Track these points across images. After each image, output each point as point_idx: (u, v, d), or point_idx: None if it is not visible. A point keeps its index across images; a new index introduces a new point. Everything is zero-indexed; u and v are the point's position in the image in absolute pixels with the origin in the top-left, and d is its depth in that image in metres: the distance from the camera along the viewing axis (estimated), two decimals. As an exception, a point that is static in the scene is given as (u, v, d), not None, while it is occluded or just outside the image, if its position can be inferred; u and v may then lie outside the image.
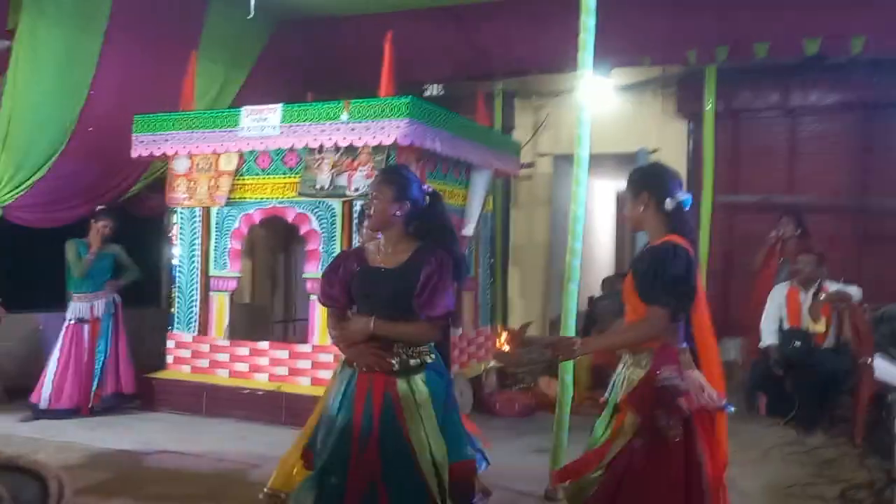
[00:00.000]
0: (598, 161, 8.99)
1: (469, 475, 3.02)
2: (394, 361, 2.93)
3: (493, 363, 7.24)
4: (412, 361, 2.95)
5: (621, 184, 11.45)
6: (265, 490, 3.93)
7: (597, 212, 10.89)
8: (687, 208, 2.94)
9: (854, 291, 5.96)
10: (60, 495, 1.69)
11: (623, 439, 2.78)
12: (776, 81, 7.98)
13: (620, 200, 3.27)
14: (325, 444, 2.97)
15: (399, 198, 2.99)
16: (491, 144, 6.98)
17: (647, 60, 7.66)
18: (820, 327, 6.00)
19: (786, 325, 6.16)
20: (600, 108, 7.72)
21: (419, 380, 2.94)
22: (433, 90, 9.24)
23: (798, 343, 5.95)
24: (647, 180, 2.99)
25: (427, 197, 3.09)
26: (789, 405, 5.98)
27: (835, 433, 5.84)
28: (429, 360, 2.99)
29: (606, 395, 3.00)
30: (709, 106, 7.72)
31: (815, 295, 6.06)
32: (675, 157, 8.41)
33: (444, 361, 3.09)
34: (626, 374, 2.90)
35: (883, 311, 5.85)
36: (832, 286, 6.10)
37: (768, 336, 6.20)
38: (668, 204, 2.88)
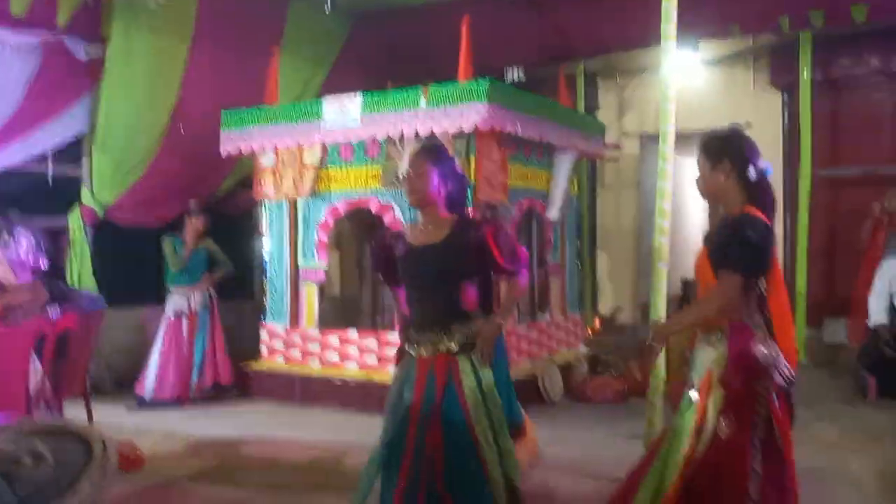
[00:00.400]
0: (687, 139, 8.75)
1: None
2: (452, 344, 2.91)
3: (584, 349, 7.12)
4: (468, 340, 2.93)
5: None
6: None
7: (687, 191, 10.55)
8: (769, 177, 2.75)
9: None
10: (105, 458, 1.72)
11: (708, 427, 2.62)
12: (877, 46, 7.54)
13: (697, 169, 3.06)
14: (389, 426, 2.97)
15: (441, 175, 2.98)
16: (574, 125, 6.84)
17: (735, 29, 7.31)
18: (933, 304, 5.62)
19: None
20: (688, 82, 7.49)
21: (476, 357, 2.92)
22: (514, 75, 9.13)
23: (910, 321, 5.59)
24: (729, 147, 2.76)
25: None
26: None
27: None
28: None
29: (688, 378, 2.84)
30: (805, 75, 7.35)
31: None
32: (769, 131, 8.06)
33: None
34: (698, 355, 2.75)
35: None
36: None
37: (878, 314, 5.86)
38: (752, 173, 2.69)
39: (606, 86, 9.17)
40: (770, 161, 2.69)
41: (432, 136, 5.75)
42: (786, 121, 8.11)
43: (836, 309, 7.39)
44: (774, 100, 8.21)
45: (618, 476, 4.19)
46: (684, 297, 8.02)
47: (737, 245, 2.57)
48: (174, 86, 6.76)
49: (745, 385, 2.58)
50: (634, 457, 4.23)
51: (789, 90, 7.89)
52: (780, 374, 2.62)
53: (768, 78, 8.17)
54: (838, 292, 7.37)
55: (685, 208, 9.93)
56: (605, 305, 8.92)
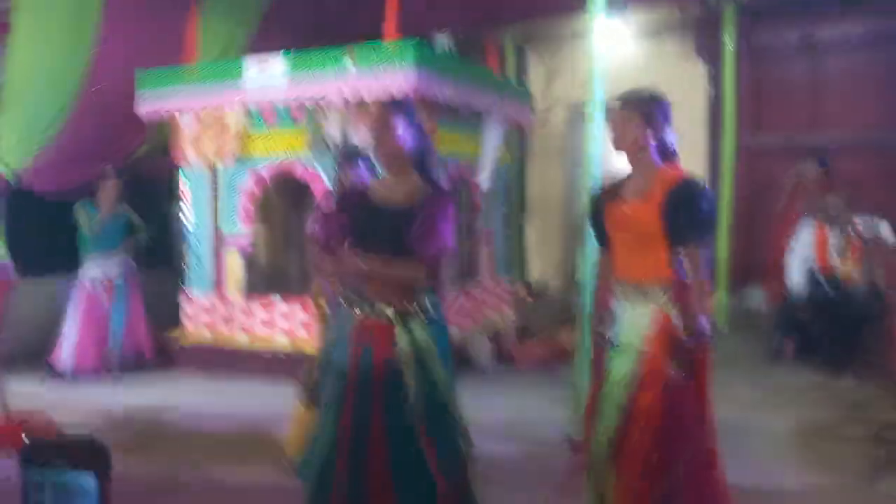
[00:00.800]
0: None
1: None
2: (388, 310, 2.76)
3: (513, 316, 7.15)
4: (410, 308, 2.78)
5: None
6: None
7: (615, 160, 10.68)
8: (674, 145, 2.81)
9: (883, 227, 5.77)
10: None
11: (655, 381, 2.67)
12: (798, 17, 7.69)
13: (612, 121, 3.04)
14: (323, 388, 2.87)
15: (408, 129, 2.82)
16: (503, 93, 6.79)
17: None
18: (848, 266, 5.83)
19: (813, 267, 5.99)
20: (616, 52, 7.52)
21: (419, 329, 2.77)
22: (443, 45, 9.00)
23: (826, 284, 5.78)
24: (657, 106, 2.78)
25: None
26: (817, 348, 5.84)
27: (865, 376, 5.70)
28: (430, 312, 2.83)
29: (611, 334, 2.86)
30: (729, 46, 7.47)
31: (844, 234, 5.87)
32: (695, 100, 8.20)
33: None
34: (634, 312, 2.78)
35: (914, 250, 5.68)
36: (861, 222, 5.90)
37: (795, 278, 6.05)
38: (668, 135, 2.77)
39: (535, 55, 9.14)
40: (696, 130, 2.77)
41: (361, 100, 5.62)
42: (711, 91, 8.24)
43: (756, 276, 7.60)
44: (700, 70, 8.33)
45: (546, 438, 4.27)
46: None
47: (701, 223, 2.69)
48: (87, 41, 6.39)
49: (697, 336, 2.66)
50: (562, 418, 4.32)
51: (714, 61, 8.01)
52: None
53: (694, 49, 8.27)
54: (756, 259, 7.58)
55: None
56: (533, 273, 8.98)
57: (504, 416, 4.86)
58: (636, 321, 2.75)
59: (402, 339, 2.74)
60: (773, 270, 6.65)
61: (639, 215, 2.76)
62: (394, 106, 2.91)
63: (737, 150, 7.42)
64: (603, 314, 2.93)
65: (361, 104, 5.63)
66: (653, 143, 2.77)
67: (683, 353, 2.65)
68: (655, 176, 2.76)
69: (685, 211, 2.66)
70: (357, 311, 2.80)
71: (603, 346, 2.89)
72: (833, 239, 5.93)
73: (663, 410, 2.64)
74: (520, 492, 2.95)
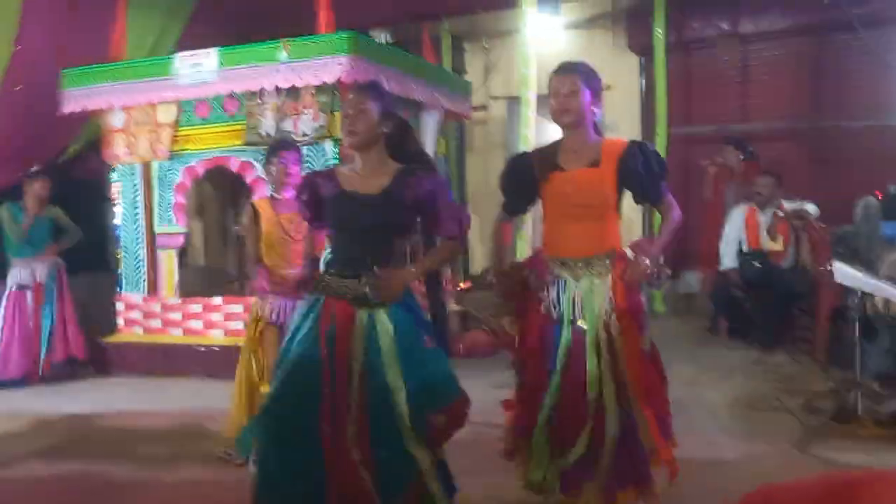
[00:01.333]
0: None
1: (456, 420, 2.71)
2: (360, 290, 2.64)
3: (455, 307, 7.15)
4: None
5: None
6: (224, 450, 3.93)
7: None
8: None
9: (811, 208, 5.96)
10: None
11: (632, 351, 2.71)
12: (726, 8, 7.90)
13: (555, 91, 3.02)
14: (281, 374, 2.72)
15: (385, 113, 2.71)
16: (441, 84, 6.79)
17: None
18: (778, 246, 6.01)
19: (745, 248, 6.16)
20: (549, 46, 7.61)
21: (384, 314, 2.65)
22: (380, 38, 8.98)
23: (757, 264, 5.94)
24: (596, 79, 2.84)
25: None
26: (751, 326, 6.00)
27: (796, 350, 5.89)
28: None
29: (558, 311, 2.78)
30: (659, 38, 7.62)
31: (773, 215, 6.05)
32: (628, 92, 8.35)
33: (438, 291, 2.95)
34: (582, 286, 2.74)
35: (840, 232, 5.88)
36: (789, 205, 6.10)
37: (728, 259, 6.20)
38: (598, 109, 2.82)
39: (472, 49, 9.18)
40: (628, 121, 2.83)
41: (293, 90, 5.57)
42: (643, 83, 8.40)
43: (691, 261, 7.76)
44: (633, 62, 8.48)
45: (490, 421, 4.28)
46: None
47: (663, 176, 2.78)
48: (8, 37, 6.18)
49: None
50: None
51: (645, 53, 8.16)
52: None
53: (626, 41, 8.42)
54: (690, 246, 7.75)
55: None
56: (475, 264, 9.00)
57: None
58: (588, 297, 2.74)
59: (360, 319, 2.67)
60: (707, 255, 6.81)
61: (590, 184, 2.75)
62: (366, 88, 2.80)
63: (668, 140, 7.57)
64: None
65: (293, 92, 5.57)
66: (596, 112, 2.80)
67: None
68: (600, 145, 2.79)
69: (648, 168, 2.72)
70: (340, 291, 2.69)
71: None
72: (763, 221, 6.10)
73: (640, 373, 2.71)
74: (466, 475, 2.96)
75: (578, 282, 2.76)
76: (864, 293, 4.19)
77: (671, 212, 2.82)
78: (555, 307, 2.80)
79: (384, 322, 2.64)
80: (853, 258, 5.18)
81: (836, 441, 3.86)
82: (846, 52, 7.57)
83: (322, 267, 2.93)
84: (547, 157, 2.87)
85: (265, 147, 5.62)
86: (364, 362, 2.62)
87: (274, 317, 3.90)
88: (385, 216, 2.68)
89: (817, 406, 4.39)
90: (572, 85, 2.76)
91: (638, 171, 2.73)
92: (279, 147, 4.10)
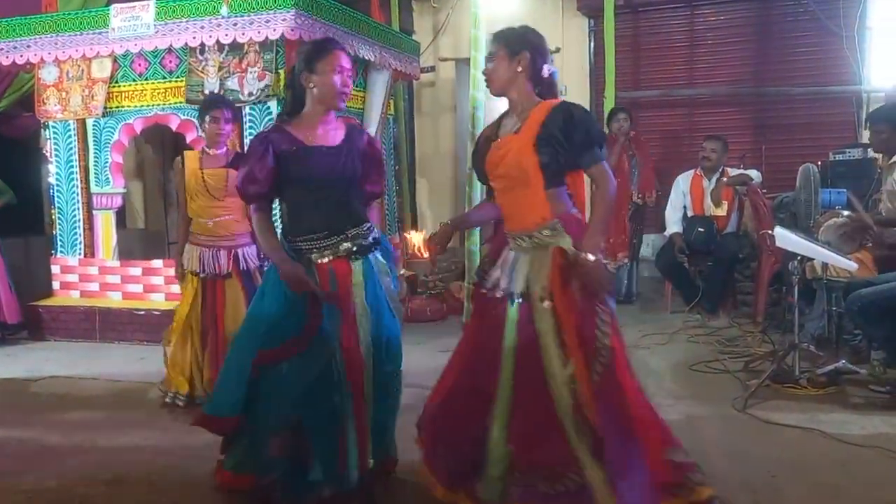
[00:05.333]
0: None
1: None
2: (350, 245, 2.79)
3: (404, 271, 7.10)
4: (365, 242, 2.83)
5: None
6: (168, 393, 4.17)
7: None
8: (556, 80, 2.71)
9: (754, 174, 6.04)
10: None
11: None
12: (676, -26, 7.89)
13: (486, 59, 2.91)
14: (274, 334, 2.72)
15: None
16: (388, 43, 6.64)
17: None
18: (721, 211, 6.08)
19: (690, 213, 6.22)
20: (499, 7, 7.53)
21: (378, 255, 2.88)
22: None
23: (701, 229, 6.01)
24: (530, 40, 2.67)
25: None
26: (694, 291, 6.09)
27: (737, 315, 6.02)
28: (377, 235, 2.90)
29: (504, 286, 2.63)
30: (609, 1, 7.56)
31: (718, 180, 6.12)
32: (577, 55, 8.31)
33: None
34: (529, 257, 2.60)
35: (781, 199, 5.98)
36: (733, 171, 6.17)
37: (672, 225, 6.26)
38: (546, 71, 2.65)
39: (421, 9, 9.01)
40: (578, 84, 2.75)
41: (237, 46, 5.38)
42: (592, 46, 8.37)
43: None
44: (582, 25, 8.43)
45: (432, 385, 4.28)
46: (498, 221, 8.19)
47: (594, 138, 2.55)
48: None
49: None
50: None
51: (595, 15, 8.12)
52: None
53: (576, 3, 8.36)
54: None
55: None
56: (424, 230, 8.95)
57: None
58: (537, 270, 2.57)
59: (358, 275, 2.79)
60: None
61: (509, 153, 2.61)
62: (341, 45, 2.87)
63: (616, 103, 7.57)
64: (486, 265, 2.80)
65: (236, 49, 5.39)
66: (526, 77, 2.64)
67: (588, 278, 2.46)
68: (530, 110, 2.62)
69: (569, 132, 2.52)
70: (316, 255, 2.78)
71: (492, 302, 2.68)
72: (707, 187, 6.16)
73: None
74: (411, 439, 2.97)
75: (526, 255, 2.62)
76: (803, 258, 4.27)
77: (603, 184, 2.55)
78: (497, 284, 2.67)
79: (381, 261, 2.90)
80: (793, 224, 5.29)
81: (774, 401, 3.96)
82: (792, 19, 7.64)
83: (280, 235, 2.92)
84: (492, 127, 2.81)
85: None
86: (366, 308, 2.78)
87: (189, 264, 4.19)
88: (349, 165, 2.78)
89: (757, 368, 4.48)
90: (492, 52, 2.69)
91: (555, 135, 2.53)
92: (212, 104, 4.18)
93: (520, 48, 2.64)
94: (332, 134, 2.81)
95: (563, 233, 2.56)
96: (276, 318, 2.72)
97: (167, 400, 4.19)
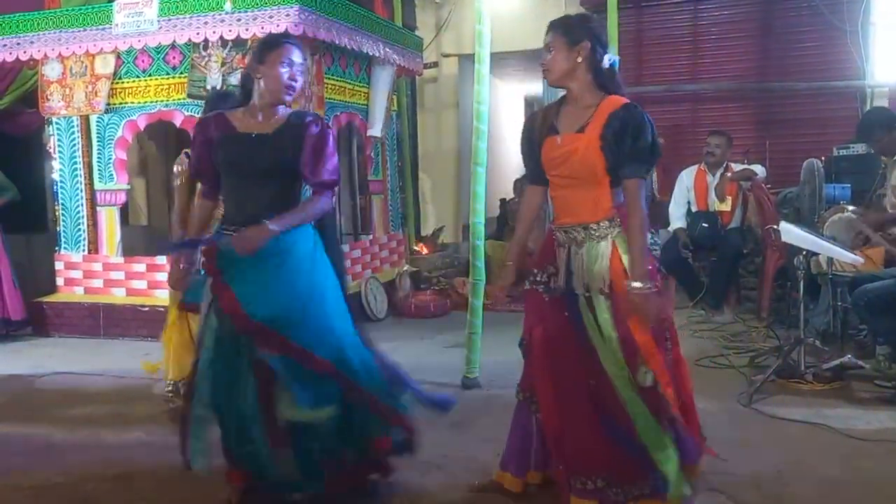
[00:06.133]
0: (503, 60, 8.87)
1: None
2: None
3: (406, 267, 7.10)
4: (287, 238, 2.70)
5: (529, 85, 11.41)
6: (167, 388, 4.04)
7: (504, 114, 10.73)
8: (616, 70, 2.63)
9: (759, 169, 6.03)
10: None
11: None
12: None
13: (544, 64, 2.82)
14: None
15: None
16: (392, 39, 6.64)
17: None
18: (725, 206, 6.06)
19: (694, 208, 6.21)
20: (502, 3, 7.52)
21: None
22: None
23: (705, 225, 6.00)
24: (590, 29, 2.61)
25: None
26: (698, 286, 6.09)
27: (742, 310, 6.01)
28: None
29: (559, 282, 2.61)
30: (613, -4, 7.55)
31: (722, 175, 6.10)
32: (580, 50, 8.29)
33: (329, 239, 2.88)
34: (586, 251, 2.56)
35: (785, 194, 5.96)
36: (737, 166, 6.16)
37: (676, 220, 6.24)
38: (607, 60, 2.57)
39: (423, 5, 9.00)
40: None
41: (240, 42, 5.38)
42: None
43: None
44: (585, 20, 8.41)
45: (439, 380, 4.28)
46: (502, 217, 8.20)
47: (641, 152, 2.49)
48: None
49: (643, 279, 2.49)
50: (457, 362, 4.34)
51: (598, 11, 8.09)
52: None
53: (579, -1, 8.35)
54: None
55: (501, 131, 10.12)
56: (427, 225, 8.95)
57: (401, 360, 4.82)
58: (593, 265, 2.55)
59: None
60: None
61: (574, 153, 2.56)
62: (294, 41, 2.83)
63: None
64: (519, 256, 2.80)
65: (239, 45, 5.39)
66: (586, 68, 2.58)
67: (636, 304, 2.45)
68: (597, 105, 2.56)
69: (625, 136, 2.48)
70: None
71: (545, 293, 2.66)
72: (711, 182, 6.15)
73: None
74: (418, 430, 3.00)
75: (580, 249, 2.58)
76: (808, 253, 4.26)
77: (632, 204, 2.49)
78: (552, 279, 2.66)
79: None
80: (798, 219, 5.27)
81: (779, 396, 3.96)
82: (795, 14, 7.62)
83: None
84: (547, 118, 2.69)
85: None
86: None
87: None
88: (278, 154, 2.69)
89: (762, 363, 4.48)
90: (549, 42, 2.62)
91: (610, 139, 2.49)
92: (216, 100, 4.01)
93: (580, 38, 2.57)
94: (272, 123, 2.74)
95: (619, 225, 2.55)
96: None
97: (168, 389, 4.11)
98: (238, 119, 2.78)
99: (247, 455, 2.71)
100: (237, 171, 2.73)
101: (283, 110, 2.79)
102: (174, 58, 5.69)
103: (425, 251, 7.96)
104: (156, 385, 4.45)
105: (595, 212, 2.56)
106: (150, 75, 5.77)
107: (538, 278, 2.70)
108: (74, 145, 6.04)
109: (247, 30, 5.30)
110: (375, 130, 6.61)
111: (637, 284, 2.44)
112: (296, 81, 2.74)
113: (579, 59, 2.57)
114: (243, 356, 2.65)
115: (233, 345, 2.67)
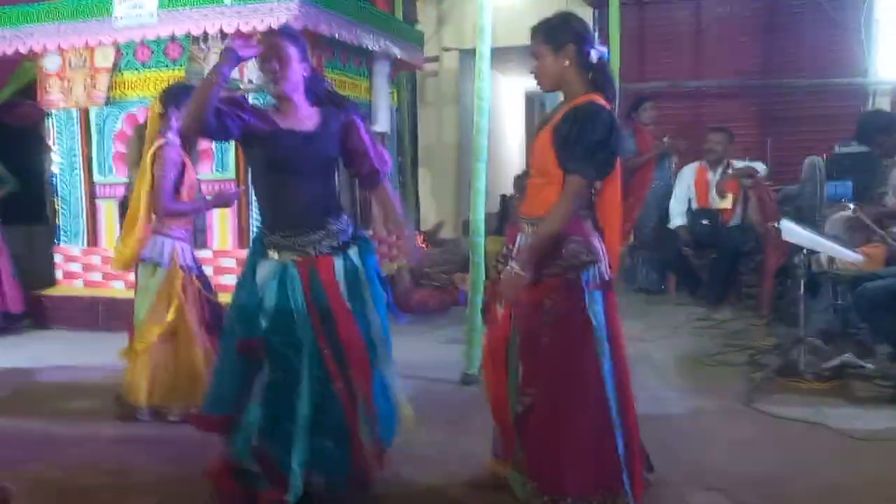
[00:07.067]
0: (505, 55, 8.83)
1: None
2: (332, 241, 2.73)
3: (406, 262, 7.07)
4: (342, 238, 2.75)
5: (530, 80, 11.41)
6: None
7: (505, 109, 10.71)
8: (606, 62, 2.63)
9: (759, 167, 6.02)
10: None
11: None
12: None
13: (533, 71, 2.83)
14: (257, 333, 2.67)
15: (302, 58, 2.71)
16: (392, 33, 6.61)
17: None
18: (726, 203, 6.05)
19: (694, 206, 6.20)
20: (504, -1, 7.50)
21: (353, 254, 2.77)
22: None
23: (706, 222, 5.99)
24: (572, 30, 2.59)
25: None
26: (698, 284, 6.08)
27: (742, 307, 6.00)
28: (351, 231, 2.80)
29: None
30: (615, -8, 7.52)
31: (723, 172, 6.09)
32: (582, 46, 8.26)
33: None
34: (525, 241, 2.65)
35: (785, 192, 5.95)
36: (738, 164, 6.14)
37: (677, 217, 6.24)
38: (594, 56, 2.56)
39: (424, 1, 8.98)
40: None
41: (238, 33, 5.35)
42: (597, 37, 8.31)
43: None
44: (587, 16, 8.38)
45: (437, 375, 4.28)
46: (503, 213, 8.19)
47: (581, 147, 2.46)
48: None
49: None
50: (456, 358, 4.33)
51: (600, 7, 8.08)
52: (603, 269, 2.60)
53: (582, -6, 8.32)
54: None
55: (502, 126, 10.10)
56: (427, 221, 8.94)
57: (400, 356, 4.82)
58: None
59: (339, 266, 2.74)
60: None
61: (536, 147, 2.63)
62: (285, 32, 2.77)
63: (621, 95, 7.52)
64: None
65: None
66: (575, 68, 2.56)
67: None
68: (568, 104, 2.57)
69: (570, 131, 2.47)
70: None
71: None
72: (713, 179, 6.14)
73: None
74: (416, 426, 2.99)
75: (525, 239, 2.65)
76: (808, 251, 4.25)
77: (561, 200, 2.51)
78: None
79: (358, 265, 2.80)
80: (799, 216, 5.25)
81: (779, 395, 3.94)
82: (798, 11, 7.61)
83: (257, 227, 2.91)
84: (545, 116, 2.80)
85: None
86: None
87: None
88: (328, 150, 2.73)
89: (762, 361, 4.47)
90: (535, 50, 2.63)
91: (559, 134, 2.51)
92: (181, 93, 3.92)
93: (564, 41, 2.56)
94: (306, 120, 2.74)
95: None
96: (251, 307, 2.68)
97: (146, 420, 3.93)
98: (273, 115, 2.71)
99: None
100: (288, 168, 2.68)
101: (302, 103, 2.74)
102: (174, 50, 5.66)
103: (423, 244, 7.94)
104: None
105: (545, 207, 2.57)
106: (149, 68, 5.75)
107: (500, 261, 2.77)
108: (73, 138, 6.02)
109: (247, 22, 5.27)
110: (383, 125, 6.58)
111: (512, 265, 2.56)
112: (274, 68, 2.65)
113: (567, 63, 2.57)
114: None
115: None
